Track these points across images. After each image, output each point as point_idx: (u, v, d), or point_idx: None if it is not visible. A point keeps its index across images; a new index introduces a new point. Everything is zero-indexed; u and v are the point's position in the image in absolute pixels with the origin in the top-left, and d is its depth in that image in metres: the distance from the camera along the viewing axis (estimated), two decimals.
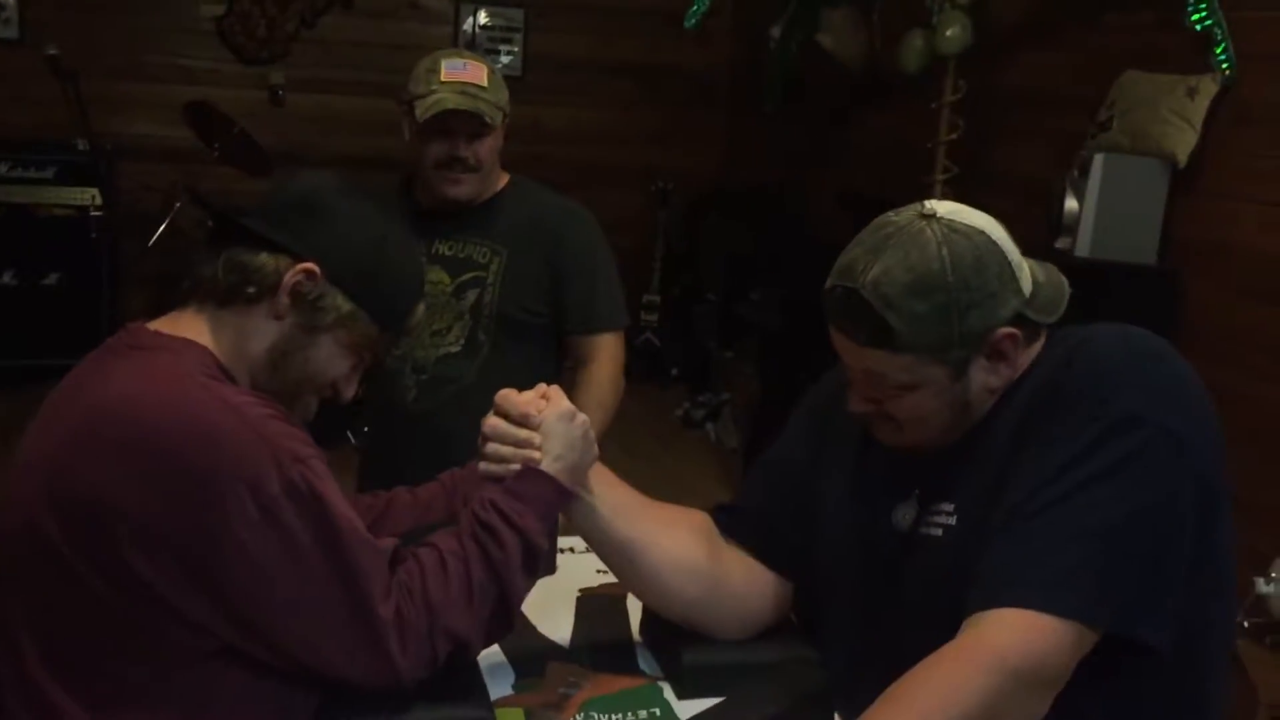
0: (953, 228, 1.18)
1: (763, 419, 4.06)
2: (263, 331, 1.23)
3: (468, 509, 1.25)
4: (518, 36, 5.51)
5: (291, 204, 1.27)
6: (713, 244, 5.36)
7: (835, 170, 4.79)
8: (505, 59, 5.44)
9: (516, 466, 1.26)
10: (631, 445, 3.88)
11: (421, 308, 1.36)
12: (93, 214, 4.48)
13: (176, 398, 1.13)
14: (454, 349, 2.17)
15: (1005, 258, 1.19)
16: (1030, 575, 1.08)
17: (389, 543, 1.20)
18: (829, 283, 1.21)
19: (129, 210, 4.78)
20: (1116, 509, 1.10)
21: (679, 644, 1.37)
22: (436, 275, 2.12)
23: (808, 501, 1.38)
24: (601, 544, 1.36)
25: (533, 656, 1.38)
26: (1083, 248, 2.91)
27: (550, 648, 1.42)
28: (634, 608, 1.53)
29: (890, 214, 1.22)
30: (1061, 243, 2.97)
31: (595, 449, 1.32)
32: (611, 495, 1.35)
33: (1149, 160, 2.92)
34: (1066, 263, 2.91)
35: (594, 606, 1.55)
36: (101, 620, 1.12)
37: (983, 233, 1.19)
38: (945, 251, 1.16)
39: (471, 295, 2.14)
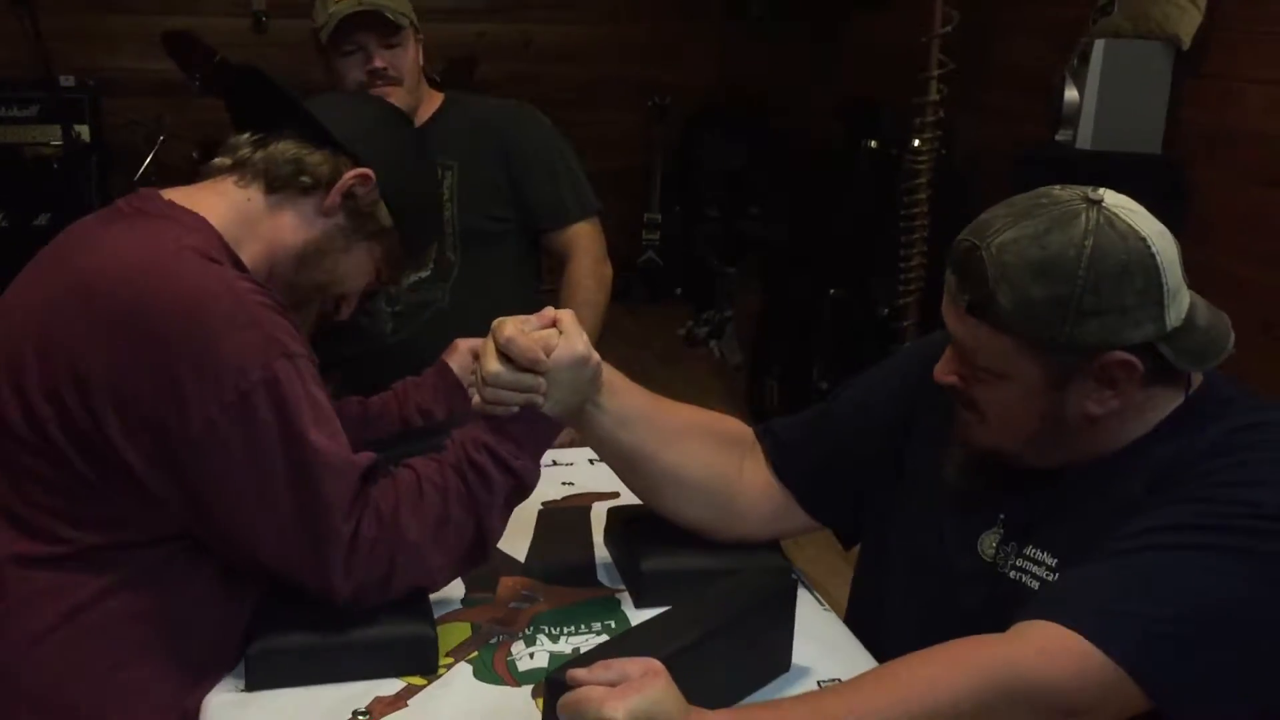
0: (1112, 222, 1.02)
1: (765, 335, 3.98)
2: (305, 225, 1.22)
3: (456, 441, 1.18)
4: None
5: (352, 111, 1.28)
6: (712, 160, 5.23)
7: (832, 79, 4.64)
8: None
9: (516, 409, 1.17)
10: (635, 365, 3.76)
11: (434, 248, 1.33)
12: (80, 152, 4.41)
13: (174, 269, 1.09)
14: (424, 274, 2.10)
15: (1159, 276, 1.02)
16: (1091, 600, 0.97)
17: (366, 458, 1.13)
18: (961, 234, 1.09)
19: (116, 146, 4.70)
20: (1224, 587, 0.96)
21: (639, 552, 1.30)
22: None
23: (879, 464, 1.28)
24: (607, 453, 1.29)
25: (485, 570, 1.32)
26: (1084, 139, 2.79)
27: (505, 561, 1.36)
28: (597, 520, 1.47)
29: (1056, 187, 1.08)
30: (1062, 135, 2.85)
31: (601, 379, 1.21)
32: (618, 404, 1.24)
33: (1152, 44, 2.78)
34: (1067, 155, 2.85)
35: (555, 520, 1.49)
36: (65, 483, 1.08)
37: (1144, 240, 1.02)
38: (1090, 242, 1.01)
39: None
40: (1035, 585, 1.10)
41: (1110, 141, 2.77)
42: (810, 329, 3.65)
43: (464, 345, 1.53)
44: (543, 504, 1.51)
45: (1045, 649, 0.94)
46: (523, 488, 1.19)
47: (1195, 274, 1.13)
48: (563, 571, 1.35)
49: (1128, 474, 1.07)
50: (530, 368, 1.15)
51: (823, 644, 1.22)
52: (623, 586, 1.32)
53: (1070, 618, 0.95)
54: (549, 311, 1.20)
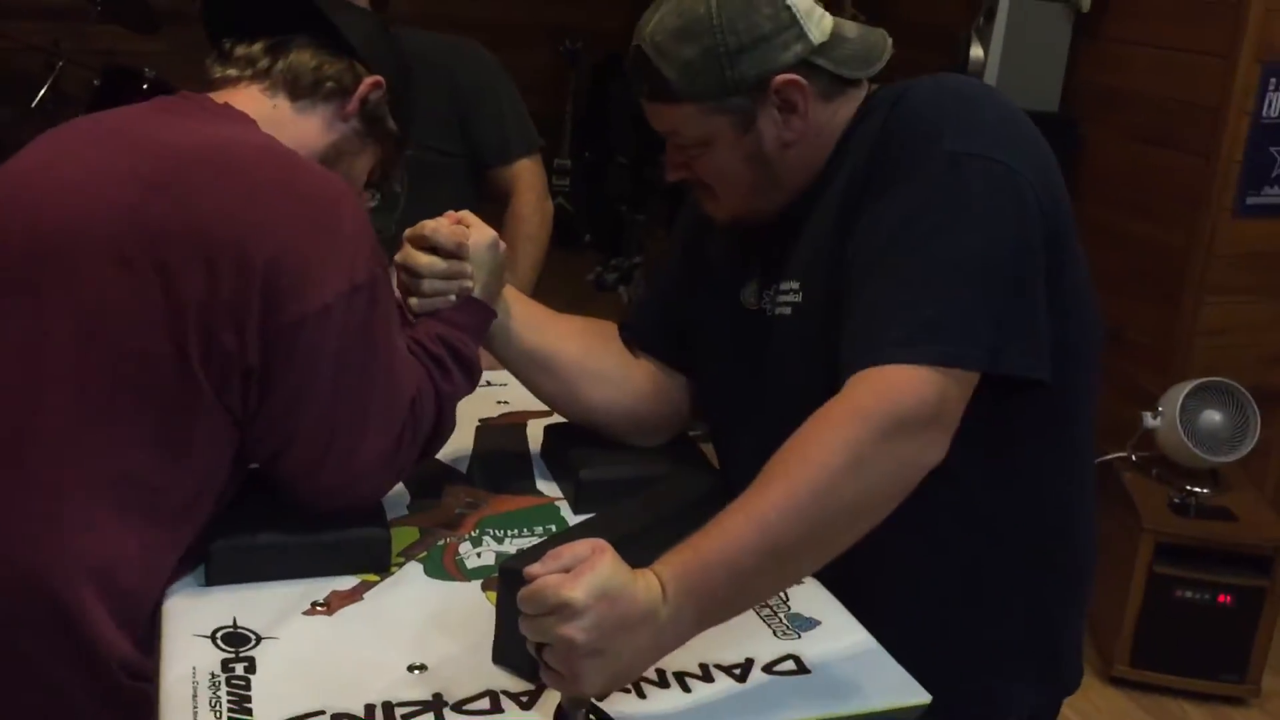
0: None
1: None
2: (328, 129, 1.29)
3: (411, 341, 1.25)
4: None
5: (358, 21, 1.32)
6: (621, 106, 5.27)
7: None
8: None
9: (453, 298, 1.28)
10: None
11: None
12: None
13: (300, 157, 1.17)
14: (371, 204, 2.11)
15: (783, 1, 1.17)
16: (889, 332, 1.06)
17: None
18: None
19: (6, 73, 4.54)
20: (964, 246, 1.08)
21: (576, 462, 1.38)
22: None
23: (688, 301, 1.41)
24: (511, 356, 1.39)
25: (428, 480, 1.38)
26: None
27: (447, 473, 1.42)
28: (534, 435, 1.53)
29: None
30: None
31: (504, 278, 1.35)
32: (519, 308, 1.38)
33: (1054, 5, 2.92)
34: None
35: (493, 434, 1.55)
36: (138, 352, 1.07)
37: None
38: None
39: None
40: (789, 312, 1.24)
41: (1012, 98, 2.90)
42: None
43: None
44: (480, 420, 1.57)
45: (875, 389, 1.03)
46: (473, 375, 1.30)
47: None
48: (504, 481, 1.41)
49: (833, 183, 1.21)
50: (456, 253, 1.28)
51: None
52: (561, 496, 1.40)
53: (875, 356, 1.05)
54: (452, 214, 1.33)
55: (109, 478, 1.08)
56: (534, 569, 0.91)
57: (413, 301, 1.29)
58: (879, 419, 1.01)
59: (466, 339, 1.29)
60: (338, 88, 1.28)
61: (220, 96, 1.25)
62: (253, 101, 1.25)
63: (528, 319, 1.39)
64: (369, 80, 1.30)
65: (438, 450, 1.30)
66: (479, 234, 1.31)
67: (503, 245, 1.34)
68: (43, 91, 4.25)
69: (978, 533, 1.22)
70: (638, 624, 0.91)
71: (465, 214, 1.34)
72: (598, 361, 1.41)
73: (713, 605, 0.97)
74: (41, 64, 4.36)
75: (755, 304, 1.30)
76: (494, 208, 2.21)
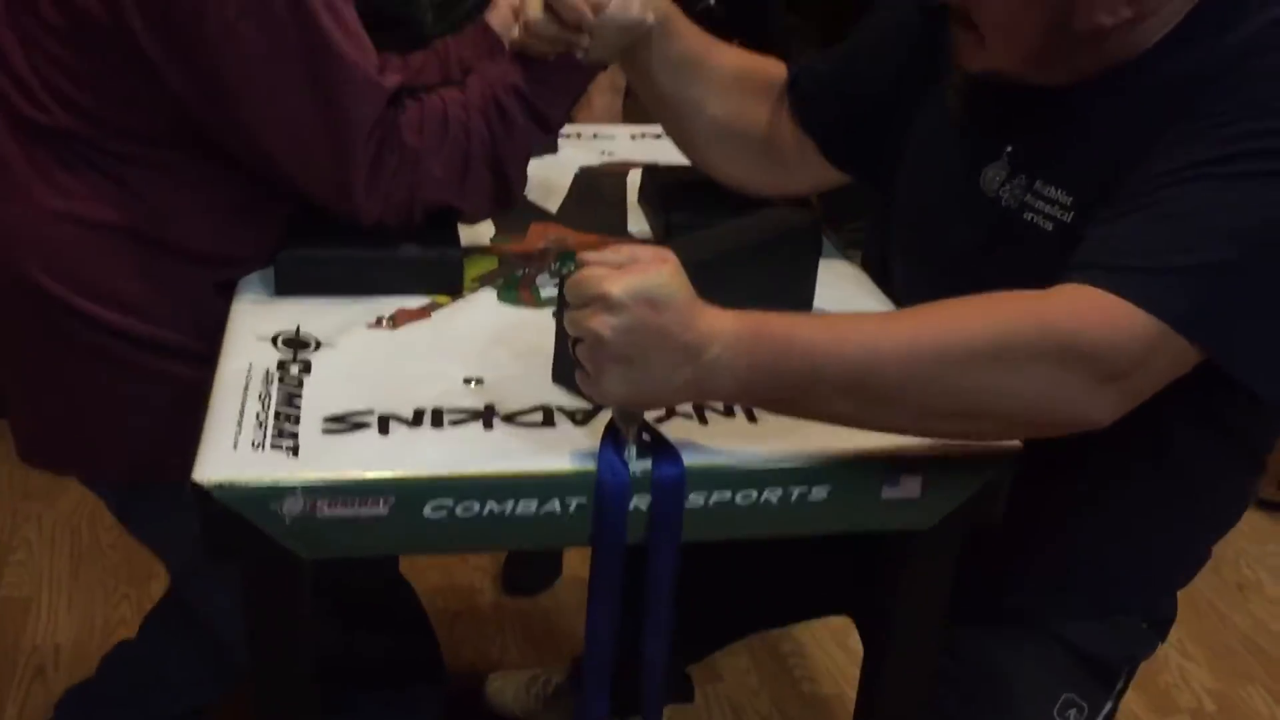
0: None
1: None
2: None
3: (485, 80, 1.16)
4: None
5: None
6: None
7: None
8: None
9: (552, 56, 1.14)
10: None
11: None
12: None
13: None
14: None
15: None
16: (1134, 261, 0.87)
17: (394, 80, 1.10)
18: None
19: None
20: (1257, 215, 0.86)
21: (669, 204, 1.29)
22: None
23: (885, 116, 1.20)
24: (648, 96, 1.25)
25: (514, 217, 1.32)
26: None
27: (536, 212, 1.36)
28: (633, 183, 1.46)
29: None
30: None
31: (652, 29, 1.17)
32: (668, 48, 1.20)
33: None
34: None
35: (591, 181, 1.48)
36: (81, 64, 1.06)
37: None
38: None
39: None
40: (1050, 227, 1.00)
41: None
42: None
43: (504, 1, 1.49)
44: (581, 167, 1.50)
45: (1078, 309, 0.86)
46: (549, 131, 1.18)
47: None
48: (594, 222, 1.35)
49: (1144, 92, 0.96)
50: (575, 25, 1.11)
51: (845, 293, 1.22)
52: (653, 238, 1.32)
53: (1108, 281, 0.86)
54: None
55: None
56: (586, 256, 0.85)
57: (514, 34, 1.17)
58: (1059, 337, 0.83)
59: (551, 97, 1.15)
60: None
61: None
62: None
63: (674, 61, 1.20)
64: None
65: (508, 203, 1.19)
66: (618, 7, 1.11)
67: (649, 21, 1.15)
68: None
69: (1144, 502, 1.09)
70: (678, 348, 0.82)
71: None
72: (739, 122, 1.24)
73: (769, 384, 0.84)
74: None
75: (995, 193, 1.06)
76: None
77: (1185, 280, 0.86)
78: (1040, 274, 0.90)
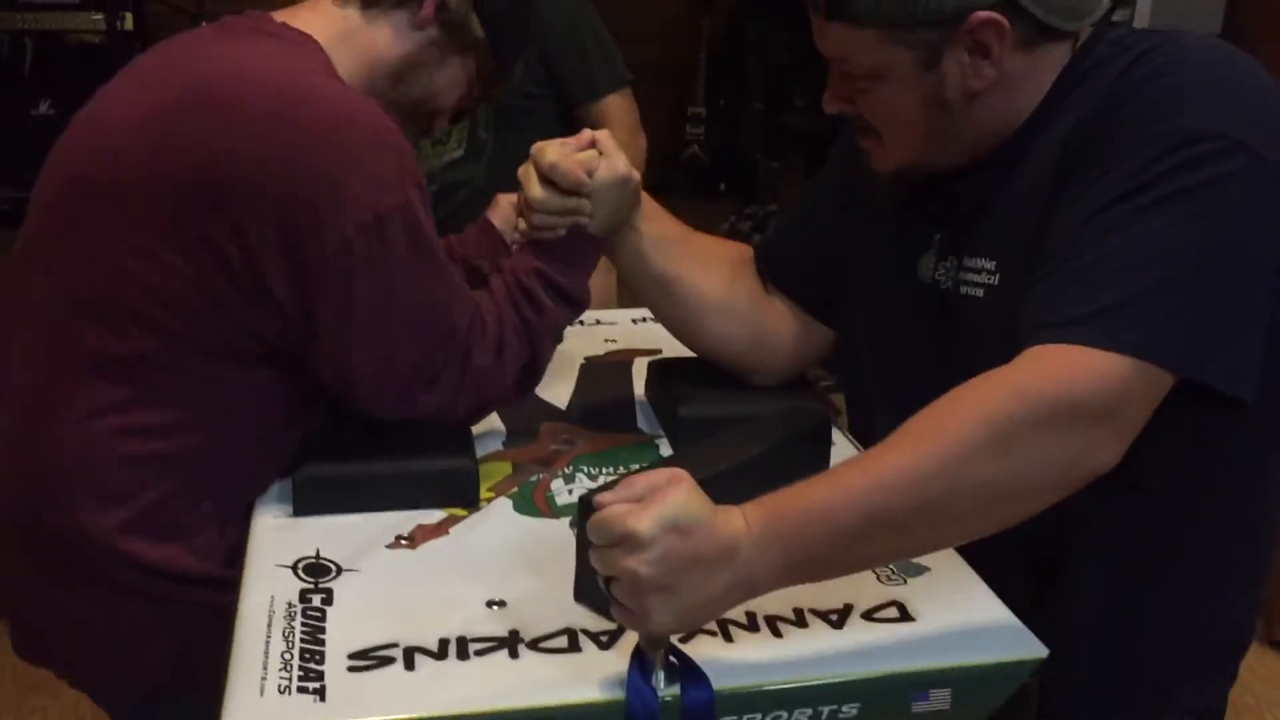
0: None
1: None
2: (401, 39, 1.22)
3: (506, 270, 1.22)
4: None
5: None
6: (757, 51, 5.14)
7: None
8: None
9: (562, 231, 1.21)
10: None
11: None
12: (124, 39, 4.39)
13: (318, 88, 1.11)
14: (457, 154, 2.10)
15: None
16: (1077, 310, 0.92)
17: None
18: None
19: (160, 35, 4.69)
20: (1183, 234, 0.92)
21: (677, 397, 1.31)
22: None
23: (839, 249, 1.29)
24: (639, 278, 1.30)
25: (525, 417, 1.34)
26: (1141, 18, 2.72)
27: (546, 408, 1.38)
28: (639, 374, 1.48)
29: None
30: (1120, 15, 2.77)
31: (640, 199, 1.26)
32: (653, 228, 1.27)
33: None
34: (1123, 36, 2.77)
35: (597, 373, 1.50)
36: (160, 297, 1.09)
37: None
38: None
39: None
40: (981, 294, 1.08)
41: (1168, 19, 2.69)
42: None
43: (504, 199, 1.53)
44: (585, 359, 1.53)
45: (1046, 369, 0.88)
46: (575, 305, 1.24)
47: None
48: (603, 418, 1.36)
49: (1035, 156, 1.05)
50: (574, 190, 1.18)
51: None
52: (661, 433, 1.34)
53: (1063, 335, 0.90)
54: (586, 133, 1.22)
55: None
56: (604, 497, 0.86)
57: (520, 225, 1.23)
58: (1041, 402, 0.87)
59: (568, 270, 1.23)
60: None
61: (293, 11, 1.22)
62: (322, 16, 1.21)
63: (659, 240, 1.27)
64: None
65: (533, 385, 1.25)
66: (610, 165, 1.19)
67: (636, 177, 1.23)
68: None
69: (1171, 555, 1.09)
70: (713, 561, 0.84)
71: (603, 137, 1.21)
72: (727, 294, 1.31)
73: (804, 558, 0.87)
74: (188, 26, 4.50)
75: (931, 277, 1.15)
76: None
77: (1128, 312, 0.91)
78: (990, 339, 0.98)
